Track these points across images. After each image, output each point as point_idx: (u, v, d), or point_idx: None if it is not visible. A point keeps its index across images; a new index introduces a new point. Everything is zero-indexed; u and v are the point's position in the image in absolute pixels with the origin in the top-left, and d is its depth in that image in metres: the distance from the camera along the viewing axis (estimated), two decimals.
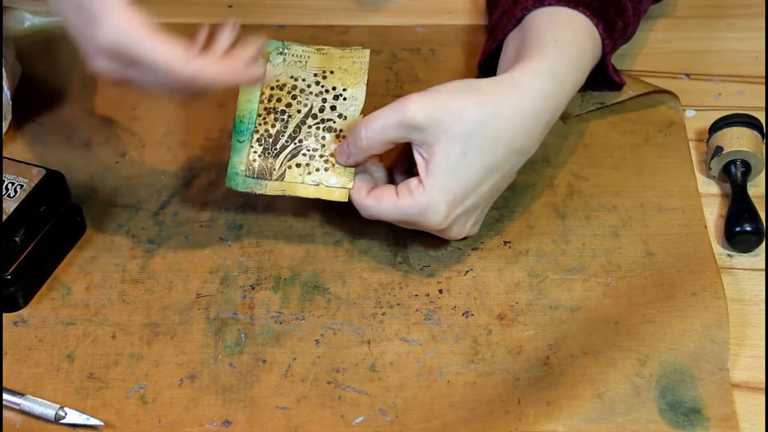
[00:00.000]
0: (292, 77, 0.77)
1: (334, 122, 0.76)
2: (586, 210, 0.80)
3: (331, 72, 0.77)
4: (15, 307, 0.74)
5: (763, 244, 0.77)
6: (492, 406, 0.69)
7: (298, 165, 0.74)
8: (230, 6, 0.96)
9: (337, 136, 0.75)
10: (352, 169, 0.74)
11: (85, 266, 0.77)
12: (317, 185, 0.74)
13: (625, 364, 0.69)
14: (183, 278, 0.76)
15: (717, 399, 0.68)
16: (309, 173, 0.74)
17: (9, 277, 0.73)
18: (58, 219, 0.76)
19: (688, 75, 0.90)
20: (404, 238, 0.78)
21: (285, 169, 0.74)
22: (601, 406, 0.67)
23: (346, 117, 0.76)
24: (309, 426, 0.68)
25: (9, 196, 0.73)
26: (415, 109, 0.70)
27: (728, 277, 0.75)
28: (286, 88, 0.77)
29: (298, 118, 0.76)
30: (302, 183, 0.74)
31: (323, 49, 0.78)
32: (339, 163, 0.74)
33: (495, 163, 0.71)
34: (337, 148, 0.75)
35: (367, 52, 0.78)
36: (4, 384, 0.70)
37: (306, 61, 0.77)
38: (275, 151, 0.75)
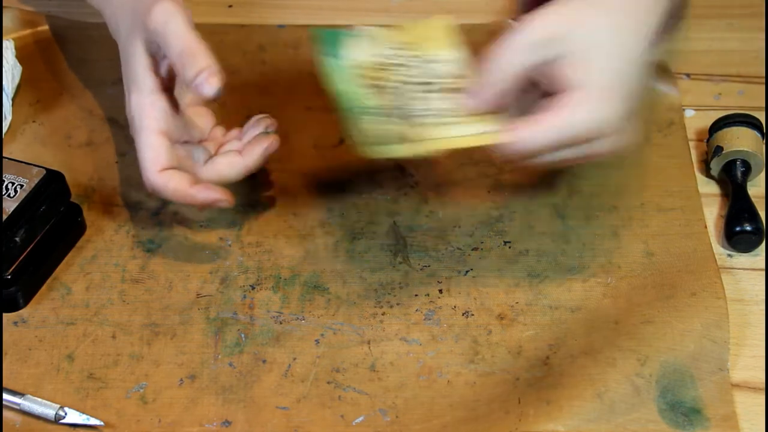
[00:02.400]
0: (381, 55, 0.74)
1: (449, 82, 0.72)
2: (586, 210, 0.80)
3: (417, 42, 0.74)
4: (15, 307, 0.74)
5: (763, 244, 0.77)
6: (492, 406, 0.69)
7: (432, 125, 0.70)
8: (230, 6, 0.96)
9: (458, 93, 0.71)
10: (490, 114, 0.69)
11: (85, 266, 0.77)
12: (461, 137, 0.69)
13: (625, 364, 0.69)
14: (183, 278, 0.76)
15: (717, 399, 0.68)
16: (447, 129, 0.70)
17: (9, 277, 0.73)
18: (58, 219, 0.76)
19: (688, 75, 0.90)
20: (404, 238, 0.78)
21: (421, 130, 0.70)
22: (601, 406, 0.67)
23: (456, 76, 0.72)
24: (309, 426, 0.68)
25: (9, 196, 0.73)
26: (545, 23, 0.67)
27: (728, 277, 0.75)
28: (381, 66, 0.73)
29: (410, 88, 0.72)
30: (444, 138, 0.69)
31: (395, 27, 0.75)
32: (472, 114, 0.70)
33: (634, 54, 0.67)
34: (468, 95, 0.70)
35: (442, 18, 0.75)
36: (4, 384, 0.70)
37: (386, 39, 0.75)
38: (403, 117, 0.70)
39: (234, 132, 0.79)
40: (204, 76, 0.70)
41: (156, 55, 0.74)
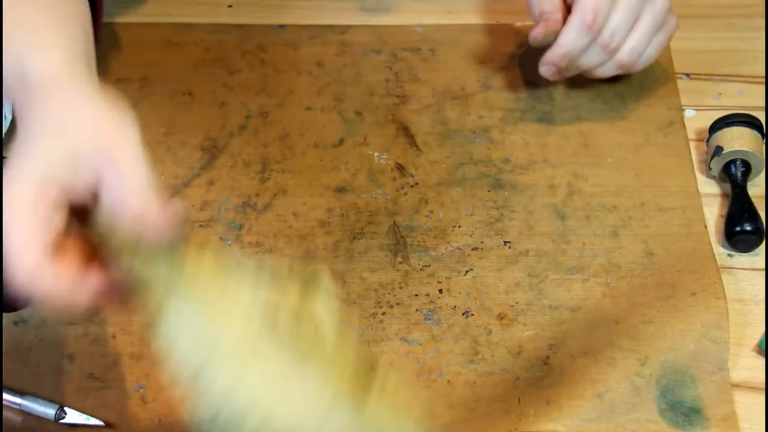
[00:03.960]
0: None
1: None
2: (586, 210, 0.80)
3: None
4: (15, 307, 0.74)
5: (763, 244, 0.77)
6: (492, 406, 0.69)
7: None
8: (230, 6, 0.96)
9: None
10: None
11: None
12: None
13: (625, 364, 0.69)
14: None
15: (717, 399, 0.68)
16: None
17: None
18: None
19: (688, 75, 0.90)
20: (404, 238, 0.78)
21: None
22: (601, 406, 0.67)
23: None
24: None
25: None
26: None
27: (728, 276, 0.75)
28: None
29: None
30: None
31: None
32: None
33: None
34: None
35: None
36: (4, 384, 0.70)
37: None
38: None
39: None
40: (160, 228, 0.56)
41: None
